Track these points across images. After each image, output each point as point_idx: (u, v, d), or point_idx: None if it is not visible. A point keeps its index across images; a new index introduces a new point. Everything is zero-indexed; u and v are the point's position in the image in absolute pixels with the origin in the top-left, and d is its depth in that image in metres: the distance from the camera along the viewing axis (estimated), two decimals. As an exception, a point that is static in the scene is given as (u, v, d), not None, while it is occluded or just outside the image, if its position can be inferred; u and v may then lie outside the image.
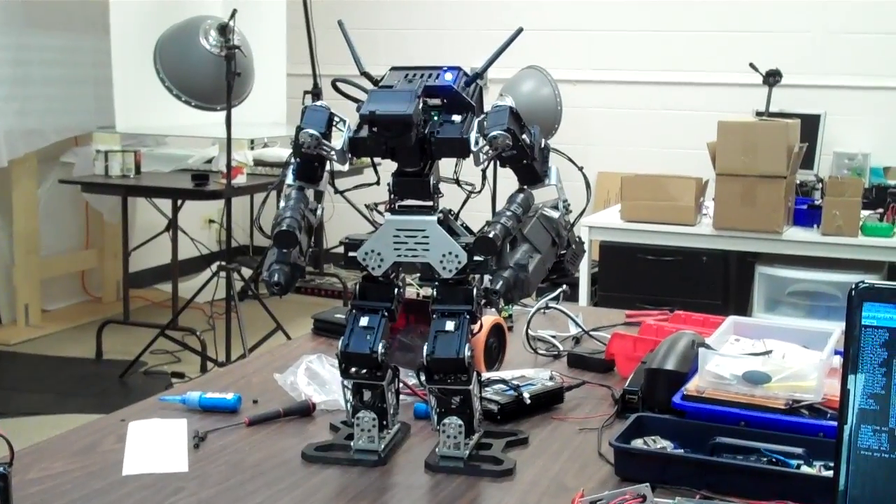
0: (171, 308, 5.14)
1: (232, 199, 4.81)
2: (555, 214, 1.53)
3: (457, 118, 1.43)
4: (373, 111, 1.38)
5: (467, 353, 1.41)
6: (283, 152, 5.84)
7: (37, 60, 5.41)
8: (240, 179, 5.09)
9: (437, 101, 1.45)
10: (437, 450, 1.47)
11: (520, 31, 1.50)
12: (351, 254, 1.47)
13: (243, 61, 4.70)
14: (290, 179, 1.49)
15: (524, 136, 1.44)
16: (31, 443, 1.51)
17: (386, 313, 1.48)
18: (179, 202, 5.13)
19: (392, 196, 1.47)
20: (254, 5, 5.53)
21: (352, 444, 1.49)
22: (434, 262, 1.44)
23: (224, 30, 4.62)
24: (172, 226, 5.16)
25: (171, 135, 5.76)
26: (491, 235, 1.38)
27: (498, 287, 1.41)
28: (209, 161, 5.56)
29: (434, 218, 1.45)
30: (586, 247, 4.97)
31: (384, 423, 1.49)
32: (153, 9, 5.10)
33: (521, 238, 1.47)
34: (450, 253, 1.43)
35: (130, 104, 5.17)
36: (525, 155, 1.45)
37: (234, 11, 4.56)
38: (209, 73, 4.64)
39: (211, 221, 6.88)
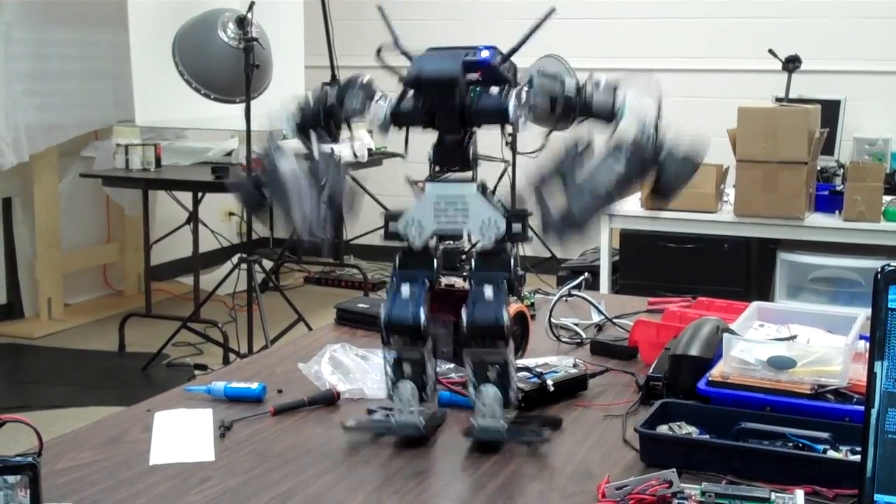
0: (192, 300, 5.17)
1: (252, 192, 4.83)
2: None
3: (495, 90, 1.46)
4: (420, 71, 1.41)
5: (506, 319, 1.41)
6: (302, 145, 5.84)
7: (56, 55, 5.43)
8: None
9: (474, 76, 1.46)
10: (473, 420, 1.46)
11: (552, 10, 1.49)
12: (392, 224, 1.48)
13: (261, 53, 4.71)
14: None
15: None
16: (56, 435, 1.51)
17: (427, 281, 1.48)
18: (200, 195, 5.15)
19: (432, 165, 1.49)
20: (271, -3, 5.54)
21: (392, 417, 1.49)
22: (474, 230, 1.45)
23: (242, 22, 4.63)
24: (193, 218, 5.18)
25: (191, 128, 5.78)
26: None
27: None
28: (229, 154, 5.58)
29: (474, 186, 1.46)
30: (606, 237, 4.96)
31: (423, 395, 1.49)
32: (171, 2, 5.11)
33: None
34: (489, 219, 1.44)
35: (150, 98, 5.19)
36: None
37: (252, 3, 4.56)
38: (228, 65, 4.66)
39: (231, 214, 6.90)
